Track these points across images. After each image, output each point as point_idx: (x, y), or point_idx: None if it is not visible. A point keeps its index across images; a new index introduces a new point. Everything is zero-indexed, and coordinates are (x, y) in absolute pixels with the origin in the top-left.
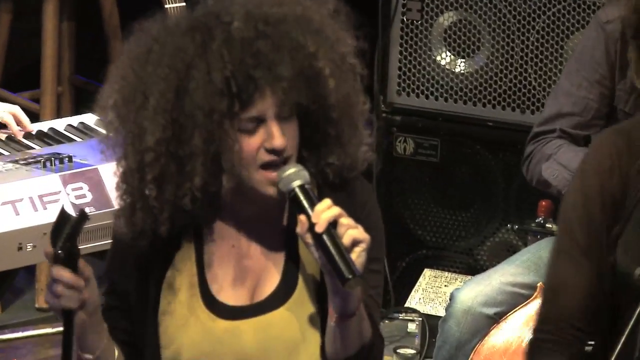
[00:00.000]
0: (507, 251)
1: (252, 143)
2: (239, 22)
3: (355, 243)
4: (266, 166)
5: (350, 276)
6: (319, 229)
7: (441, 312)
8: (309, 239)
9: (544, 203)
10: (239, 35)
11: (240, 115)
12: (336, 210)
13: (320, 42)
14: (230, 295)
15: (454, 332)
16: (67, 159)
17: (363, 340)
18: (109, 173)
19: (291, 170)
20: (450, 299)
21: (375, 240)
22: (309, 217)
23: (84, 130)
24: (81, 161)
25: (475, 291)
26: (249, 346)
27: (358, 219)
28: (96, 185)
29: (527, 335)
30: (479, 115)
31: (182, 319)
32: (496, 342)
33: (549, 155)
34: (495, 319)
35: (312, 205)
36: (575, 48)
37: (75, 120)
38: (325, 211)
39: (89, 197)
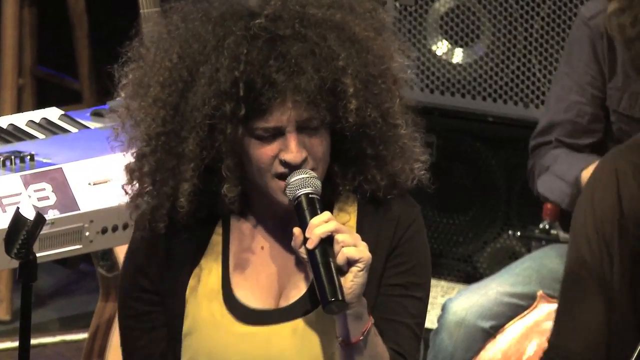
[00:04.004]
0: (508, 258)
1: (266, 152)
2: (271, 18)
3: (350, 262)
4: (281, 176)
5: (331, 299)
6: (310, 244)
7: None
8: (303, 254)
9: (549, 206)
10: (268, 33)
11: (256, 124)
12: (332, 225)
13: (353, 56)
14: (255, 298)
15: (446, 345)
16: (28, 157)
17: None
18: (74, 173)
19: (300, 176)
20: (442, 309)
21: (418, 265)
22: (304, 230)
23: (47, 127)
24: (44, 160)
25: (470, 301)
26: (274, 352)
27: (399, 240)
28: (60, 186)
29: (527, 348)
30: (478, 110)
31: (204, 323)
32: (493, 356)
33: (547, 168)
34: (491, 333)
35: (312, 217)
36: (564, 49)
37: (37, 115)
38: (319, 226)
39: (53, 198)
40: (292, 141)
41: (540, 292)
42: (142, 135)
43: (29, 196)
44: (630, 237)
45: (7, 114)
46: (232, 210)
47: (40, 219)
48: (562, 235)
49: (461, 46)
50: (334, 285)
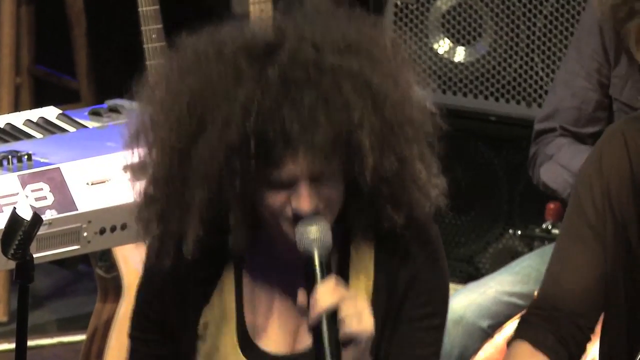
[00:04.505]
0: (511, 258)
1: (278, 199)
2: (287, 60)
3: (350, 339)
4: (294, 219)
5: None
6: (312, 316)
7: None
8: (305, 317)
9: (552, 206)
10: (283, 77)
11: (267, 174)
12: (336, 296)
13: (369, 108)
14: (269, 341)
15: (444, 344)
16: (25, 157)
17: None
18: (72, 173)
19: (312, 234)
20: None
21: (436, 295)
22: (310, 289)
23: (45, 126)
24: (41, 160)
25: (468, 300)
26: None
27: (416, 275)
28: (58, 186)
29: None
30: (480, 109)
31: None
32: (491, 356)
33: (550, 156)
34: (489, 332)
35: (320, 277)
36: (574, 32)
37: (35, 114)
38: (323, 297)
39: (50, 199)
40: (304, 191)
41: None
42: (149, 177)
43: (27, 196)
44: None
45: (5, 113)
46: (242, 253)
47: (37, 219)
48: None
49: (463, 45)
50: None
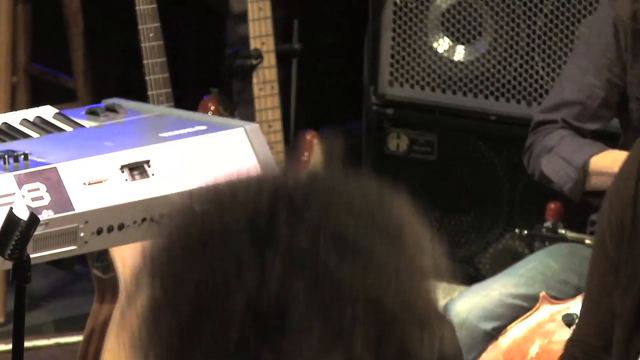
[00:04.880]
0: (512, 259)
1: None
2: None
3: None
4: None
5: None
6: None
7: None
8: None
9: (552, 206)
10: (283, 268)
11: None
12: None
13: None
14: None
15: None
16: (22, 156)
17: None
18: (69, 172)
19: None
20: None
21: None
22: None
23: (41, 125)
24: (38, 159)
25: (471, 302)
26: None
27: None
28: (55, 186)
29: (529, 350)
30: (480, 108)
31: None
32: (495, 358)
33: (550, 148)
34: (493, 335)
35: None
36: (584, 28)
37: (31, 113)
38: None
39: (47, 199)
40: None
41: (542, 293)
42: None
43: (23, 196)
44: None
45: (1, 112)
46: None
47: (34, 219)
48: (570, 234)
49: (463, 43)
50: None
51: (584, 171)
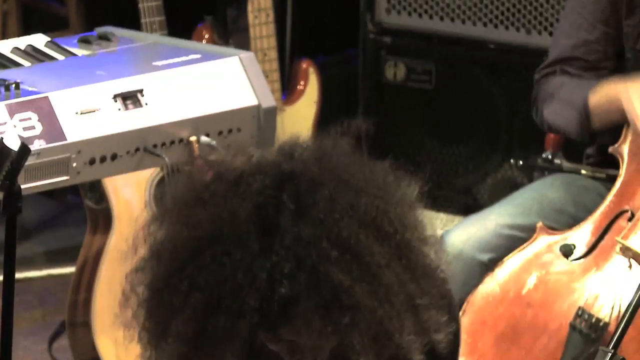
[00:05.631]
0: (510, 189)
1: None
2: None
3: None
4: None
5: None
6: None
7: None
8: None
9: (552, 136)
10: (289, 267)
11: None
12: None
13: (364, 307)
14: None
15: None
16: (13, 85)
17: None
18: (61, 102)
19: None
20: None
21: None
22: None
23: (33, 54)
24: (30, 88)
25: (467, 233)
26: None
27: None
28: (47, 115)
29: (526, 282)
30: (479, 36)
31: None
32: (491, 290)
33: (551, 94)
34: (490, 266)
35: None
36: None
37: (22, 42)
38: None
39: (39, 128)
40: None
41: (539, 224)
42: None
43: (14, 126)
44: None
45: None
46: None
47: (25, 149)
48: (566, 164)
49: None
50: None
51: (584, 111)
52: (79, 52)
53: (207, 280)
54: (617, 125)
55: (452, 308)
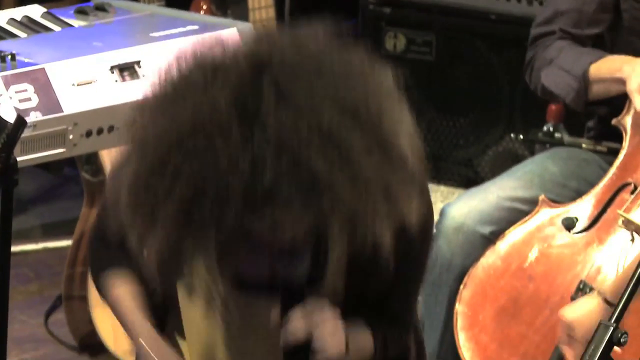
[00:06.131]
0: (511, 162)
1: None
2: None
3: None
4: None
5: None
6: (285, 341)
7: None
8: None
9: (553, 107)
10: (272, 157)
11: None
12: (310, 326)
13: (342, 193)
14: None
15: (444, 252)
16: (9, 57)
17: None
18: (57, 73)
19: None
20: (440, 215)
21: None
22: None
23: (29, 25)
24: (26, 60)
25: (468, 206)
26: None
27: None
28: (43, 86)
29: (528, 255)
30: (480, 7)
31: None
32: (492, 263)
33: (550, 60)
34: (491, 239)
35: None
36: None
37: (18, 12)
38: (297, 328)
39: (35, 100)
40: None
41: (542, 197)
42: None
43: (10, 97)
44: None
45: None
46: None
47: (21, 121)
48: (567, 138)
49: None
50: None
51: (584, 80)
52: (76, 23)
53: (190, 170)
54: (614, 97)
55: (424, 191)
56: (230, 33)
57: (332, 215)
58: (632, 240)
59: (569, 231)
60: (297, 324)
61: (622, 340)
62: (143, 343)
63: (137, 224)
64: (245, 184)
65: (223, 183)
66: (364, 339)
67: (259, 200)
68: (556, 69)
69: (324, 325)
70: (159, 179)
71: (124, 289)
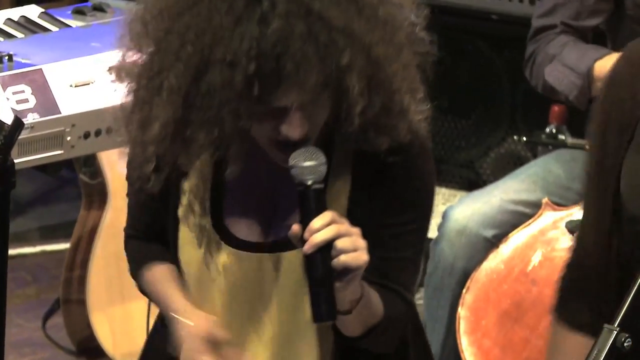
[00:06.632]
0: (513, 164)
1: (268, 127)
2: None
3: (345, 271)
4: (282, 146)
5: (326, 319)
6: (306, 249)
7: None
8: (299, 245)
9: (556, 108)
10: (281, 11)
11: (259, 109)
12: (332, 231)
13: (360, 48)
14: (243, 229)
15: (446, 255)
16: (6, 57)
17: (367, 325)
18: (55, 74)
19: (307, 164)
20: (443, 217)
21: (418, 212)
22: (304, 226)
23: (26, 25)
24: (23, 60)
25: (471, 209)
26: (253, 277)
27: (393, 195)
28: (40, 88)
29: (532, 258)
30: (481, 7)
31: (191, 239)
32: (496, 267)
33: (553, 56)
34: (494, 242)
35: (313, 213)
36: None
37: (15, 13)
38: (318, 232)
39: (33, 101)
40: (295, 120)
41: (545, 200)
42: (147, 128)
43: (7, 99)
44: None
45: None
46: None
47: (18, 123)
48: (570, 139)
49: None
50: (328, 304)
51: (588, 77)
52: (73, 23)
53: (196, 34)
54: None
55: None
56: None
57: (352, 73)
58: None
59: (573, 235)
60: (321, 226)
61: (625, 344)
62: (176, 315)
63: (144, 97)
64: (255, 41)
65: (231, 44)
66: (375, 295)
67: (269, 63)
68: (559, 65)
69: (347, 235)
70: (166, 49)
71: (158, 269)
